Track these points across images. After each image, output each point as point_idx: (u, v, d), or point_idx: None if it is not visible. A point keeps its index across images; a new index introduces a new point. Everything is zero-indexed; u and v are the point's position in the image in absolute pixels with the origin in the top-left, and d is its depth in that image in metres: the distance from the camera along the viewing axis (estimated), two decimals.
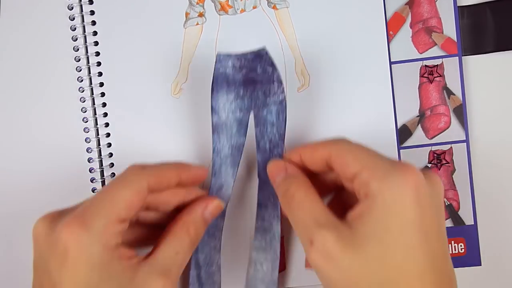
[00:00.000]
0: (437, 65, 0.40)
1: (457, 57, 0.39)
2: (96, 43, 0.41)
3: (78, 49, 0.40)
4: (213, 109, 0.37)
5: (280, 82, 0.37)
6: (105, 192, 0.31)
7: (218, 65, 0.37)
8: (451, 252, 0.39)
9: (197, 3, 0.40)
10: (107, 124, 0.40)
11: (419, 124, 0.40)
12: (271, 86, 0.37)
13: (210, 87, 0.37)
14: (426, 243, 0.28)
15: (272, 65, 0.37)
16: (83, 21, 0.40)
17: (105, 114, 0.40)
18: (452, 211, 0.39)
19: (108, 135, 0.40)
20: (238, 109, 0.37)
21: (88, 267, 0.29)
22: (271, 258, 0.37)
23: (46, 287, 0.30)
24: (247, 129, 0.37)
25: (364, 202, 0.29)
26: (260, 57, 0.37)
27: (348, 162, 0.31)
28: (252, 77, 0.37)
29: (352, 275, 0.28)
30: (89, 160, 0.40)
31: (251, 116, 0.37)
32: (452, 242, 0.39)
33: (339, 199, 0.35)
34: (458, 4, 0.39)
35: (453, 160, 0.39)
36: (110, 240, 0.30)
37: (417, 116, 0.40)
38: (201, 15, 0.40)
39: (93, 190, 0.40)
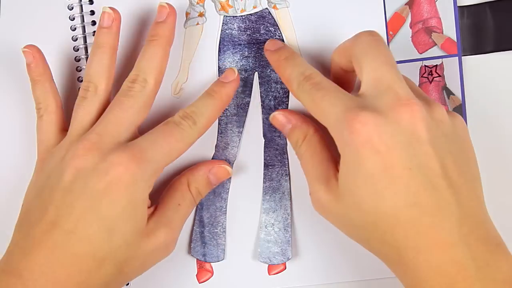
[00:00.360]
0: (436, 65, 0.40)
1: (457, 57, 0.40)
2: None
3: (78, 49, 0.40)
4: (219, 70, 0.39)
5: (282, 41, 0.39)
6: (163, 140, 0.34)
7: (224, 26, 0.39)
8: None
9: (198, 3, 0.40)
10: None
11: None
12: None
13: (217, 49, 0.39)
14: (392, 185, 0.29)
15: (275, 24, 0.39)
16: (83, 21, 0.40)
17: None
18: None
19: None
20: (243, 69, 0.39)
21: (128, 200, 0.32)
22: (282, 217, 0.38)
23: (81, 201, 0.32)
24: (252, 89, 0.39)
25: (341, 157, 0.32)
26: (263, 17, 0.39)
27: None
28: (256, 38, 0.39)
29: (341, 220, 0.33)
30: None
31: (256, 77, 0.39)
32: None
33: None
34: (458, 4, 0.39)
35: None
36: (152, 184, 0.34)
37: None
38: (201, 15, 0.40)
39: None
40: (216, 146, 0.39)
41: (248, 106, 0.39)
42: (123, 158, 0.32)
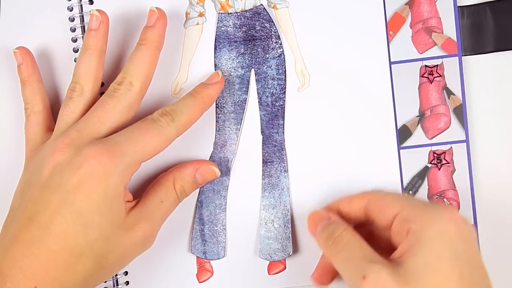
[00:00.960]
0: (437, 65, 0.40)
1: (457, 57, 0.39)
2: None
3: (77, 50, 0.40)
4: (215, 67, 0.39)
5: (277, 37, 0.39)
6: (139, 136, 0.34)
7: (219, 24, 0.39)
8: None
9: (197, 3, 0.40)
10: None
11: (419, 124, 0.40)
12: (269, 42, 0.39)
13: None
14: (470, 276, 0.29)
15: (270, 21, 0.39)
16: (82, 21, 0.40)
17: None
18: None
19: None
20: (240, 66, 0.39)
21: (101, 193, 0.32)
22: (282, 214, 0.39)
23: (57, 196, 0.32)
24: (248, 86, 0.39)
25: (409, 239, 0.30)
26: (258, 14, 0.39)
27: (387, 203, 0.32)
28: (251, 34, 0.39)
29: None
30: None
31: (252, 74, 0.39)
32: None
33: None
34: (458, 4, 0.39)
35: (453, 160, 0.39)
36: (127, 178, 0.34)
37: (417, 116, 0.40)
38: (201, 15, 0.40)
39: None
40: (214, 144, 0.39)
41: (245, 103, 0.39)
42: (95, 151, 0.32)
